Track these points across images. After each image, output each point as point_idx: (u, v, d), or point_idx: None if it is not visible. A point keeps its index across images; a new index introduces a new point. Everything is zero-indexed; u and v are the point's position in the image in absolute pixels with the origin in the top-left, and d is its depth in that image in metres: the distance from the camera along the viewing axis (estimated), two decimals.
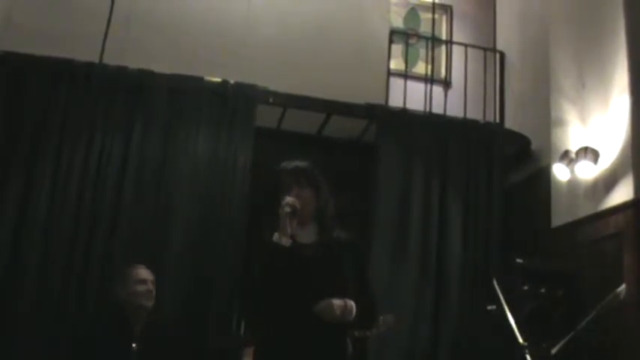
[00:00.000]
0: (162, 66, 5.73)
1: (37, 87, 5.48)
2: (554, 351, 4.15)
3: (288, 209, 3.28)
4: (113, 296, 4.58)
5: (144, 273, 4.60)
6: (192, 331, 5.27)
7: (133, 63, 5.70)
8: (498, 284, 4.88)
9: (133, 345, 4.38)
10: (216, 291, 5.40)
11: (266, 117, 6.09)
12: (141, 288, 4.51)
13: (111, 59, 5.70)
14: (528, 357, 3.99)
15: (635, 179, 4.97)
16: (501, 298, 4.62)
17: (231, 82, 5.85)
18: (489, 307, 5.05)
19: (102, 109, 5.54)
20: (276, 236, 3.27)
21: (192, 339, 5.23)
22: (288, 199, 3.30)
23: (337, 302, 3.18)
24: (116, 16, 5.91)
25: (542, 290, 5.29)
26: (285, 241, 3.26)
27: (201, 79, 5.81)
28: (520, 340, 4.14)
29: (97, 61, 5.70)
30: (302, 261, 3.28)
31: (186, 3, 6.25)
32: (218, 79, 5.85)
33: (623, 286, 4.36)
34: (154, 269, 4.72)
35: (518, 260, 5.45)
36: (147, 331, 4.49)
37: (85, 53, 5.63)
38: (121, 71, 5.65)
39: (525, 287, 5.28)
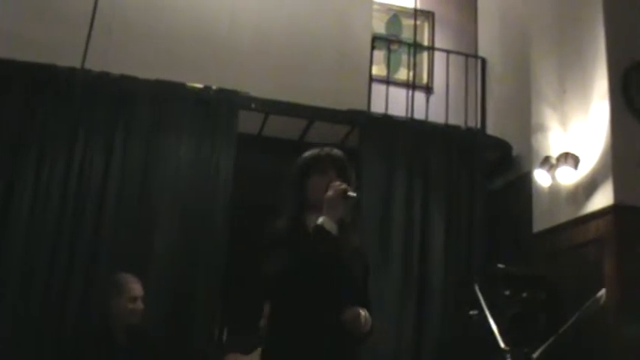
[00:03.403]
0: (144, 72, 5.71)
1: (18, 93, 5.45)
2: (535, 355, 4.17)
3: (346, 191, 2.97)
4: (102, 306, 4.56)
5: (137, 289, 4.56)
6: (175, 339, 5.25)
7: (116, 69, 5.68)
8: (480, 289, 4.90)
9: (116, 353, 4.37)
10: (199, 299, 5.39)
11: (248, 123, 6.09)
12: (132, 306, 4.49)
13: (93, 65, 5.66)
14: None
15: (614, 184, 5.01)
16: (483, 303, 4.63)
17: (214, 88, 5.85)
18: (471, 312, 5.07)
19: (84, 115, 5.51)
20: (321, 220, 2.91)
21: (175, 346, 5.21)
22: (340, 183, 3.00)
23: (363, 312, 2.92)
24: (98, 22, 5.87)
25: (524, 295, 5.31)
26: (333, 228, 2.93)
27: (183, 86, 5.80)
28: (502, 344, 4.16)
29: (79, 67, 5.67)
30: (339, 256, 2.97)
31: (168, 9, 6.22)
32: (200, 86, 5.84)
33: (603, 291, 4.38)
34: (137, 278, 4.70)
35: (500, 265, 5.48)
36: (130, 339, 4.48)
37: (67, 59, 5.60)
38: (104, 77, 5.63)
39: (507, 292, 5.30)
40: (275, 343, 2.99)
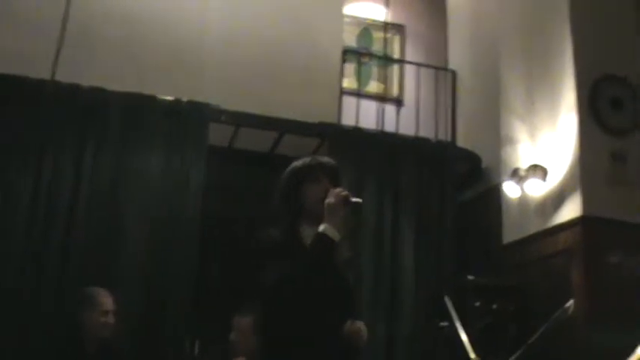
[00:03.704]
0: (114, 84, 5.68)
1: None
2: None
3: (347, 196, 2.86)
4: (73, 319, 4.51)
5: (109, 303, 4.50)
6: (146, 352, 5.21)
7: (86, 81, 5.64)
8: (451, 301, 4.91)
9: None
10: (169, 311, 5.35)
11: (219, 136, 6.08)
12: (103, 320, 4.43)
13: (63, 76, 5.62)
14: None
15: (582, 196, 5.06)
16: (453, 314, 4.64)
17: (184, 100, 5.83)
18: (442, 324, 5.08)
19: (54, 127, 5.46)
20: (322, 227, 2.79)
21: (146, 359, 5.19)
22: (341, 189, 2.89)
23: (363, 326, 2.87)
24: (69, 33, 5.83)
25: (494, 306, 5.34)
26: (336, 235, 2.81)
27: (154, 98, 5.78)
28: (472, 355, 4.16)
29: (49, 78, 5.61)
30: (338, 265, 2.90)
31: (139, 21, 6.20)
32: (171, 98, 5.82)
33: (571, 301, 4.41)
34: (109, 291, 4.65)
35: (470, 277, 5.50)
36: (101, 353, 4.43)
37: (37, 70, 5.54)
38: (74, 89, 5.59)
39: (477, 303, 5.33)
40: (276, 354, 2.84)
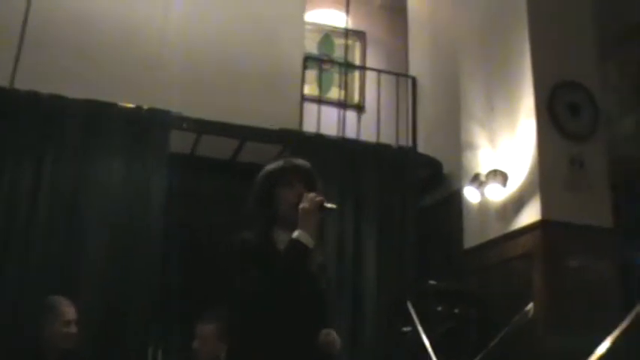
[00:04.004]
0: (74, 91, 5.64)
1: None
2: None
3: (322, 201, 2.80)
4: (34, 330, 4.43)
5: (71, 313, 4.39)
6: None
7: (45, 88, 5.58)
8: (413, 306, 4.94)
9: None
10: (131, 319, 5.31)
11: (180, 143, 6.05)
12: (65, 330, 4.33)
13: (22, 84, 5.57)
14: None
15: (542, 200, 5.11)
16: (416, 319, 4.68)
17: (145, 107, 5.80)
18: (405, 329, 5.11)
19: (12, 136, 5.41)
20: (296, 233, 2.73)
21: None
22: (315, 195, 2.82)
23: (337, 337, 2.83)
24: (28, 40, 5.79)
25: (456, 311, 5.37)
26: (310, 241, 2.74)
27: (114, 105, 5.74)
28: (434, 359, 4.19)
29: (7, 86, 5.57)
30: (311, 272, 2.85)
31: (100, 28, 6.16)
32: (131, 105, 5.79)
33: (531, 305, 4.47)
34: (70, 301, 4.59)
35: (432, 282, 5.54)
36: None
37: None
38: (33, 97, 5.53)
39: (439, 308, 5.36)
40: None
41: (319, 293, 2.90)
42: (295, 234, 2.73)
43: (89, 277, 5.28)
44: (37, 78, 5.65)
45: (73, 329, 4.39)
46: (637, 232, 5.83)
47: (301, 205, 2.78)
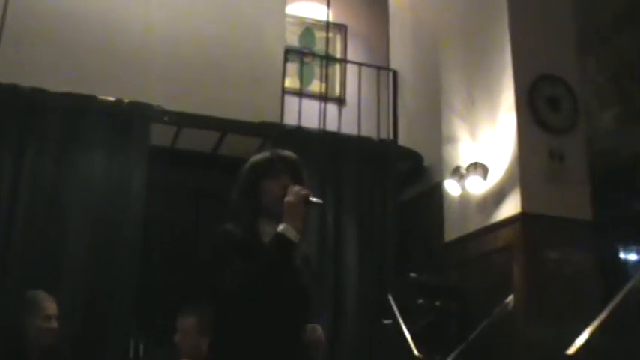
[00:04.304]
0: (55, 84, 5.61)
1: None
2: None
3: (307, 195, 2.75)
4: (13, 325, 4.39)
5: (52, 308, 4.35)
6: (90, 356, 5.15)
7: (26, 81, 5.55)
8: (394, 299, 4.96)
9: None
10: (111, 314, 5.30)
11: (161, 136, 6.04)
12: (46, 325, 4.28)
13: (2, 77, 5.51)
14: None
15: (522, 193, 5.13)
16: (397, 312, 4.70)
17: (126, 100, 5.78)
18: (386, 321, 5.13)
19: None
20: (281, 227, 2.67)
21: None
22: (301, 188, 2.77)
23: (322, 331, 2.81)
24: (7, 33, 5.74)
25: (437, 303, 5.40)
26: (294, 236, 2.68)
27: (95, 98, 5.71)
28: (415, 352, 4.21)
29: None
30: (295, 267, 2.79)
31: (80, 20, 6.11)
32: (112, 98, 5.76)
33: (511, 297, 4.50)
34: (52, 296, 4.55)
35: (412, 275, 5.56)
36: (42, 358, 4.34)
37: None
38: (13, 90, 5.50)
39: (420, 301, 5.38)
40: (228, 354, 2.72)
41: (304, 287, 2.85)
42: (280, 228, 2.67)
43: (70, 271, 5.25)
44: (18, 71, 5.61)
45: (54, 324, 4.35)
46: (615, 225, 5.89)
47: (286, 199, 2.73)
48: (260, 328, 2.66)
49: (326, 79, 7.20)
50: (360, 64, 7.32)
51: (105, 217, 5.48)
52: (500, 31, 5.63)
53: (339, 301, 5.95)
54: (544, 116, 5.38)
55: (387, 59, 7.82)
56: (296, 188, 2.76)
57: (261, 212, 2.87)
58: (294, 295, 2.77)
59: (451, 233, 5.92)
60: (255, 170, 2.95)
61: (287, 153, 3.02)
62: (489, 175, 5.46)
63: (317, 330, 2.80)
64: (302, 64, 7.17)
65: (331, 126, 6.69)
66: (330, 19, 7.73)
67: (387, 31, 8.01)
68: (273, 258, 2.66)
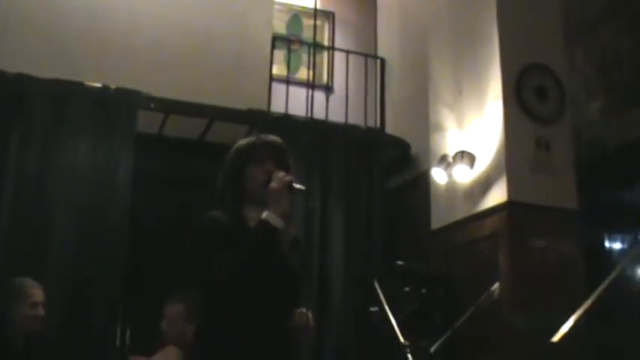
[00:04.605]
0: (41, 71, 5.59)
1: None
2: (432, 349, 4.26)
3: (291, 181, 2.73)
4: (1, 312, 4.37)
5: (38, 295, 4.35)
6: (76, 343, 5.14)
7: (11, 67, 5.53)
8: (380, 286, 4.96)
9: None
10: (97, 302, 5.30)
11: (148, 123, 6.01)
12: (32, 312, 4.29)
13: None
14: (409, 356, 4.08)
15: (508, 181, 5.15)
16: (383, 299, 4.70)
17: (112, 87, 5.76)
18: (372, 309, 5.14)
19: None
20: (265, 214, 2.66)
21: (75, 352, 5.11)
22: (285, 174, 2.75)
23: (310, 314, 2.82)
24: None
25: (423, 291, 5.41)
26: (278, 222, 2.66)
27: (81, 85, 5.69)
28: (401, 339, 4.22)
29: None
30: (282, 253, 2.77)
31: (66, 7, 6.09)
32: (99, 85, 5.74)
33: (497, 285, 4.52)
34: (35, 280, 4.53)
35: (399, 262, 5.57)
36: (28, 347, 4.32)
37: None
38: None
39: (406, 289, 5.39)
40: (219, 344, 2.69)
41: (292, 272, 2.84)
42: (264, 214, 2.66)
43: (55, 259, 5.25)
44: (4, 58, 5.58)
45: (41, 311, 4.34)
46: (601, 214, 5.91)
47: (270, 185, 2.71)
48: (247, 315, 2.66)
49: (313, 66, 7.17)
50: (348, 52, 7.31)
51: (91, 205, 5.48)
52: (488, 21, 5.63)
53: (325, 289, 5.96)
54: (531, 105, 5.39)
55: (375, 47, 7.82)
56: (280, 174, 2.75)
57: (245, 198, 2.87)
58: (281, 280, 2.76)
59: (438, 221, 5.93)
60: (240, 156, 2.93)
61: (272, 138, 2.99)
62: (476, 163, 5.48)
63: (304, 315, 2.80)
64: (289, 51, 7.15)
65: (319, 114, 6.67)
66: (318, 6, 7.69)
67: (375, 19, 8.01)
68: (257, 245, 2.65)
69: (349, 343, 5.87)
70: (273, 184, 2.71)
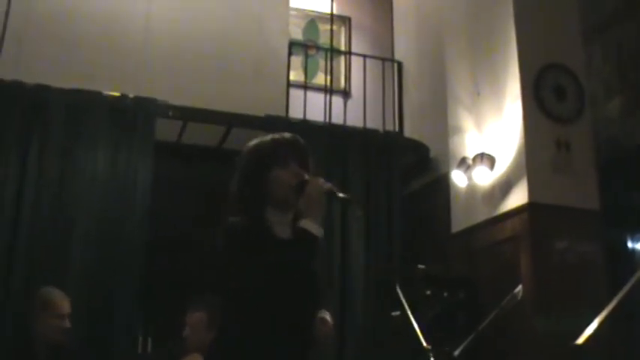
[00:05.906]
0: (59, 81, 5.61)
1: None
2: (456, 353, 4.23)
3: (332, 190, 2.59)
4: (24, 321, 4.35)
5: (66, 307, 4.30)
6: (97, 352, 5.15)
7: (29, 78, 5.55)
8: (402, 290, 4.94)
9: None
10: (118, 311, 5.30)
11: (166, 131, 6.03)
12: (59, 323, 4.24)
13: (5, 74, 5.51)
14: None
15: (529, 183, 5.13)
16: (405, 303, 4.67)
17: (130, 96, 5.78)
18: (394, 313, 5.11)
19: None
20: (305, 222, 2.50)
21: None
22: (324, 181, 2.60)
23: (331, 322, 2.75)
24: (11, 30, 5.75)
25: (445, 294, 5.39)
26: (319, 231, 2.52)
27: (99, 94, 5.71)
28: (424, 344, 4.19)
29: None
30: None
31: (83, 17, 6.12)
32: (117, 94, 5.76)
33: (519, 287, 4.48)
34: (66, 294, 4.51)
35: (420, 266, 5.54)
36: (52, 357, 4.30)
37: None
38: (17, 86, 5.49)
39: (428, 292, 5.37)
40: (237, 348, 2.55)
41: (317, 280, 2.67)
42: (303, 223, 2.51)
43: (75, 268, 5.26)
44: (22, 69, 5.61)
45: (68, 324, 4.30)
46: (623, 214, 5.86)
47: (307, 191, 2.56)
48: (273, 319, 2.53)
49: (331, 71, 7.17)
50: (365, 56, 7.31)
51: (110, 213, 5.49)
52: (505, 21, 5.61)
53: (346, 293, 5.94)
54: (550, 106, 5.37)
55: (392, 51, 7.81)
56: (320, 180, 2.60)
57: (268, 202, 2.67)
58: (307, 285, 2.61)
59: (458, 224, 5.91)
60: (260, 157, 2.72)
61: (290, 136, 2.80)
62: (496, 165, 5.45)
63: (326, 322, 2.74)
64: (306, 56, 7.16)
65: (337, 119, 6.69)
66: (334, 11, 7.71)
67: (391, 23, 8.00)
68: (296, 255, 2.51)
69: (371, 349, 5.83)
70: (313, 191, 2.56)
